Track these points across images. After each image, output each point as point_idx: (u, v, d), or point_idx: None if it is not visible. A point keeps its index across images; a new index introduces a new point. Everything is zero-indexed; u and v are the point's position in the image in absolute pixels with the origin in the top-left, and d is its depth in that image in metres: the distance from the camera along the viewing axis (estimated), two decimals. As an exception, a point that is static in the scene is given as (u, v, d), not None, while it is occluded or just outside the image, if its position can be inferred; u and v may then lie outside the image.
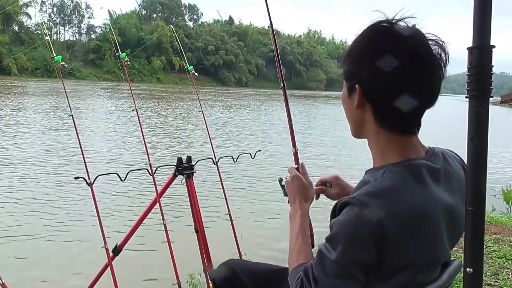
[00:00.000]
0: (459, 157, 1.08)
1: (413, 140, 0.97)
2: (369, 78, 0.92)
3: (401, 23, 0.92)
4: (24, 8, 67.21)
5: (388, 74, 0.88)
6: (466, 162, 0.79)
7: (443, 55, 0.92)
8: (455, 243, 1.03)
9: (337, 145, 12.61)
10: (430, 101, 0.94)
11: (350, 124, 1.03)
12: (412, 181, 0.91)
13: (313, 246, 1.16)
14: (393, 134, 0.95)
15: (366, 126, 0.98)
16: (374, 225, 0.84)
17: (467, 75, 0.77)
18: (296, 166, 1.30)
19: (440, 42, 0.92)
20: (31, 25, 71.05)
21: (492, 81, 0.76)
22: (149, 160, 2.63)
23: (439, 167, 0.97)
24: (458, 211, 0.96)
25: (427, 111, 0.97)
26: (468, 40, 0.76)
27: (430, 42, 0.91)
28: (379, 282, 0.90)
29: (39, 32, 61.65)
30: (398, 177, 0.91)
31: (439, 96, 0.96)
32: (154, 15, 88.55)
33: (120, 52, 2.72)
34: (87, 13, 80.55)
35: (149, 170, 2.44)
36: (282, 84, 1.49)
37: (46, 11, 79.21)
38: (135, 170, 2.34)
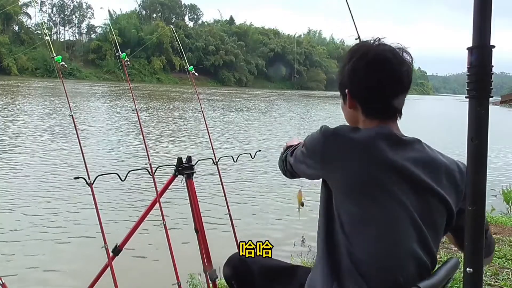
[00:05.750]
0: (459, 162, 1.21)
1: (393, 124, 1.18)
2: (351, 83, 1.18)
3: (371, 41, 1.19)
4: (24, 8, 67.05)
5: (362, 76, 1.16)
6: (466, 163, 0.79)
7: (405, 55, 1.16)
8: (423, 204, 1.11)
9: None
10: (401, 90, 1.17)
11: (350, 123, 1.25)
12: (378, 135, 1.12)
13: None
14: (375, 120, 1.17)
15: (359, 121, 1.20)
16: (320, 143, 1.14)
17: (467, 75, 0.77)
18: None
19: (402, 47, 1.17)
20: (31, 25, 70.87)
21: (492, 81, 0.76)
22: (149, 160, 2.63)
23: (407, 140, 1.14)
24: (412, 173, 1.09)
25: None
26: (467, 41, 0.76)
27: (395, 47, 1.16)
28: (339, 203, 1.10)
29: (39, 32, 61.46)
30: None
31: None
32: (154, 15, 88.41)
33: (120, 52, 2.71)
34: (87, 13, 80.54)
35: (149, 170, 2.44)
36: None
37: (46, 11, 79.00)
38: (135, 170, 2.34)
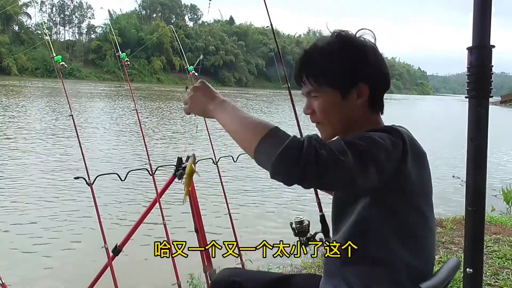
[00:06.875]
0: None
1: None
2: (371, 76, 1.07)
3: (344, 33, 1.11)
4: (24, 8, 67.11)
5: (379, 66, 1.09)
6: (466, 162, 0.79)
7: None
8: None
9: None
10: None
11: (343, 123, 1.10)
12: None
13: None
14: (378, 113, 1.13)
15: (361, 118, 1.09)
16: (402, 141, 0.97)
17: (467, 75, 0.77)
18: None
19: (373, 35, 1.12)
20: (31, 25, 70.90)
21: (492, 81, 0.76)
22: (149, 160, 2.63)
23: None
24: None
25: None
26: (467, 40, 0.76)
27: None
28: (399, 196, 1.00)
29: (39, 32, 61.44)
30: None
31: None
32: (154, 15, 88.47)
33: (120, 52, 2.72)
34: (87, 13, 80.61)
35: (149, 170, 2.44)
36: None
37: (46, 11, 79.09)
38: (135, 170, 2.34)
